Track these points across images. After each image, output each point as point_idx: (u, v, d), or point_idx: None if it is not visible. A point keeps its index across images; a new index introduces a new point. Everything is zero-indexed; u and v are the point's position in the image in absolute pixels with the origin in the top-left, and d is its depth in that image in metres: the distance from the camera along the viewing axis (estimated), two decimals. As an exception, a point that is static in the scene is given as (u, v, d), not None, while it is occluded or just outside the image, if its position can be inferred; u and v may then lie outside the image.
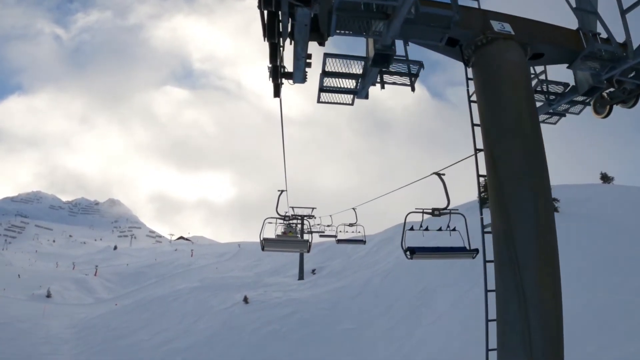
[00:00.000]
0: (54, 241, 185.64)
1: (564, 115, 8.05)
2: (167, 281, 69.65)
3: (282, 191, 13.83)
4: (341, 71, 6.46)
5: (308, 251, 11.31)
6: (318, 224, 35.61)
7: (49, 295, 63.91)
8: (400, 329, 24.60)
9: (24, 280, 72.54)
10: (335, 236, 30.46)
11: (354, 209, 21.56)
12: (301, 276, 46.19)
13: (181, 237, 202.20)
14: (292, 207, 39.66)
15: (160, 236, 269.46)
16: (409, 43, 6.15)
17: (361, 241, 22.52)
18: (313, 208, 40.63)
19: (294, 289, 37.85)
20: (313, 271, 47.87)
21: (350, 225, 23.39)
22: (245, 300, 32.41)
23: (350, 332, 26.21)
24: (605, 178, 52.60)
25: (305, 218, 40.58)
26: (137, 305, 38.60)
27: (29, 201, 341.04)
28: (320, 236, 35.24)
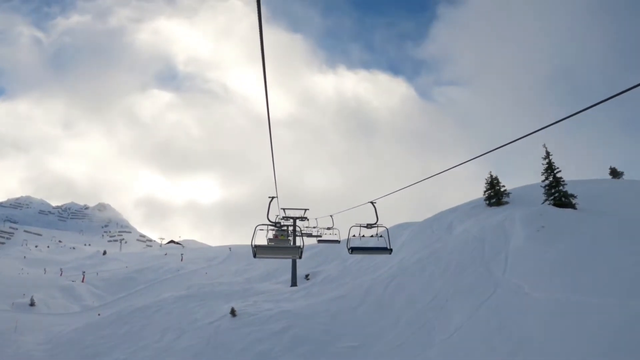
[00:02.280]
0: (47, 247, 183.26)
1: None
2: (155, 287, 67.27)
3: (273, 197, 13.85)
4: None
5: (300, 257, 11.01)
6: (314, 227, 32.17)
7: (32, 304, 61.24)
8: (412, 347, 21.24)
9: (8, 288, 69.82)
10: (337, 241, 27.02)
11: (372, 203, 14.74)
12: (294, 282, 43.29)
13: (172, 241, 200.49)
14: (284, 209, 36.82)
15: (150, 240, 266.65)
16: None
17: (385, 249, 14.59)
18: (305, 209, 37.75)
19: (286, 297, 34.60)
20: (306, 276, 45.12)
21: (369, 226, 15.64)
22: (233, 313, 29.06)
23: (353, 350, 22.70)
24: (615, 173, 50.15)
25: (297, 220, 37.97)
26: (118, 317, 35.48)
27: (18, 206, 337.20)
28: (320, 241, 31.59)
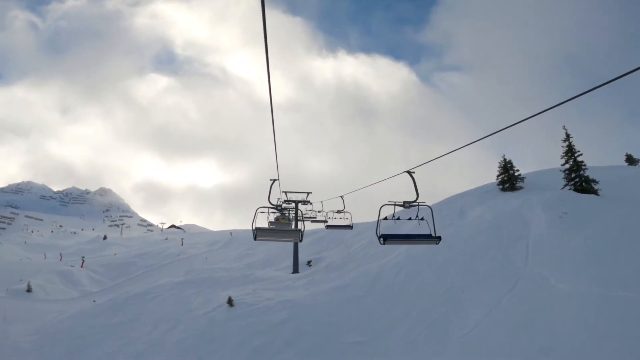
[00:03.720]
0: (51, 232, 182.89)
1: None
2: (154, 272, 65.39)
3: (275, 180, 13.71)
4: None
5: (301, 240, 10.72)
6: (319, 211, 29.73)
7: (29, 290, 59.54)
8: (426, 343, 19.10)
9: (6, 274, 68.56)
10: (350, 227, 24.00)
11: (410, 172, 10.07)
12: (295, 269, 41.36)
13: (173, 226, 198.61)
14: (285, 192, 34.90)
15: (151, 225, 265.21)
16: None
17: (430, 238, 9.92)
18: (308, 193, 35.86)
19: (287, 285, 32.58)
20: (309, 263, 43.30)
21: (407, 205, 10.13)
22: (230, 302, 27.03)
23: (360, 346, 20.44)
24: (631, 160, 48.37)
25: (299, 204, 36.16)
26: (111, 305, 33.75)
27: (19, 191, 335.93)
28: (328, 227, 26.34)
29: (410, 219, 11.01)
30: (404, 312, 22.48)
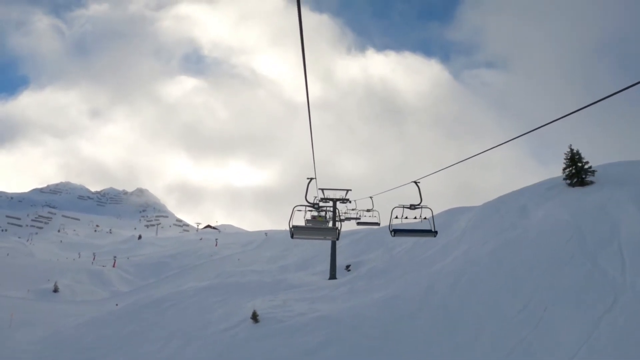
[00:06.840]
0: (94, 231, 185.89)
1: None
2: (185, 273, 63.54)
3: (312, 179, 13.92)
4: None
5: (337, 239, 10.42)
6: (353, 209, 27.55)
7: (55, 290, 57.75)
8: (506, 382, 14.64)
9: (36, 272, 67.24)
10: (433, 232, 15.69)
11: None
12: (333, 274, 37.06)
13: (208, 226, 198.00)
14: (322, 189, 31.56)
15: (187, 225, 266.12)
16: None
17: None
18: (347, 190, 32.25)
19: (324, 295, 28.19)
20: (347, 267, 39.14)
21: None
22: (255, 317, 22.69)
23: None
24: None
25: (338, 202, 32.69)
26: (129, 311, 30.87)
27: (58, 192, 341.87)
28: (396, 233, 16.92)
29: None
30: (470, 335, 17.66)
